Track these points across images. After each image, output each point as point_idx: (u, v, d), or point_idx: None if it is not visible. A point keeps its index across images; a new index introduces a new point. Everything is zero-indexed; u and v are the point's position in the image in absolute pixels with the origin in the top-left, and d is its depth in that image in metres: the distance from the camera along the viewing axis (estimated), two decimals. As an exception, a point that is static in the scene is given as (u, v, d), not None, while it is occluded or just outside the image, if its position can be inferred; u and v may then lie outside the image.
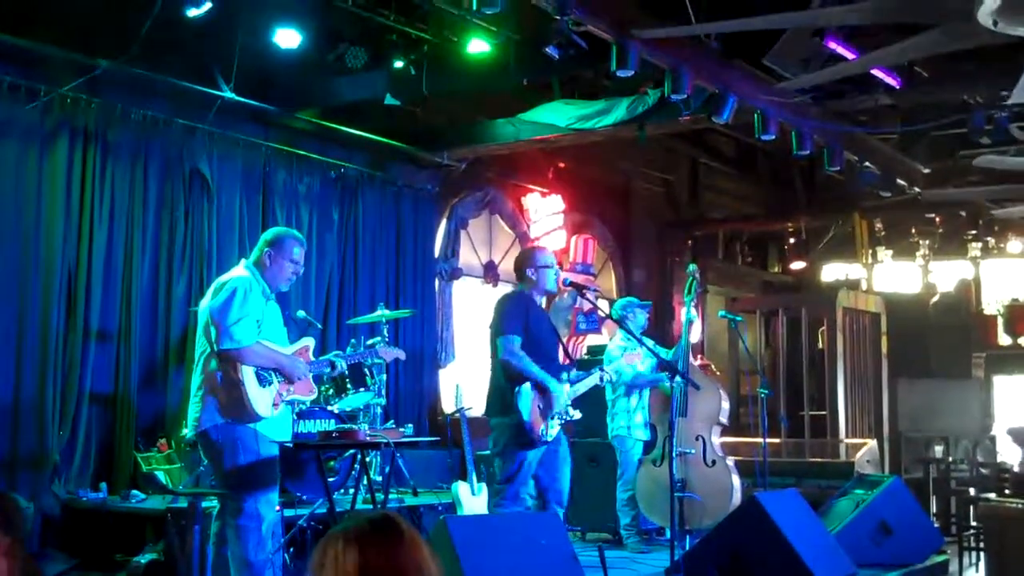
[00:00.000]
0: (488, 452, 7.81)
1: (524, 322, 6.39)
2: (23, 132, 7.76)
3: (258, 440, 5.44)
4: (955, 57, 8.52)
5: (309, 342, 5.93)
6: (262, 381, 5.46)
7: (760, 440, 7.93)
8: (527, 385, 6.25)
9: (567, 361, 6.78)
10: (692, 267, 8.29)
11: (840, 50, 7.72)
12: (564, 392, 6.42)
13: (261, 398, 5.44)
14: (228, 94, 8.66)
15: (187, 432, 5.72)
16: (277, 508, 5.74)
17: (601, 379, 7.11)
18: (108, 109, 8.17)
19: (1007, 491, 8.95)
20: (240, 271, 5.62)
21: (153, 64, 8.16)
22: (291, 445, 5.96)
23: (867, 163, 10.73)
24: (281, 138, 9.68)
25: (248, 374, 5.39)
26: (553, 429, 6.38)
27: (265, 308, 5.57)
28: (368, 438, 6.22)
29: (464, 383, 8.05)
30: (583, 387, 6.81)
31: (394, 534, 2.19)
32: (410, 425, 9.02)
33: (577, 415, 6.58)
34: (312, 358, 5.86)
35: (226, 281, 5.53)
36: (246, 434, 5.42)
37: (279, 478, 5.66)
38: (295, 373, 5.61)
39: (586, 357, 9.82)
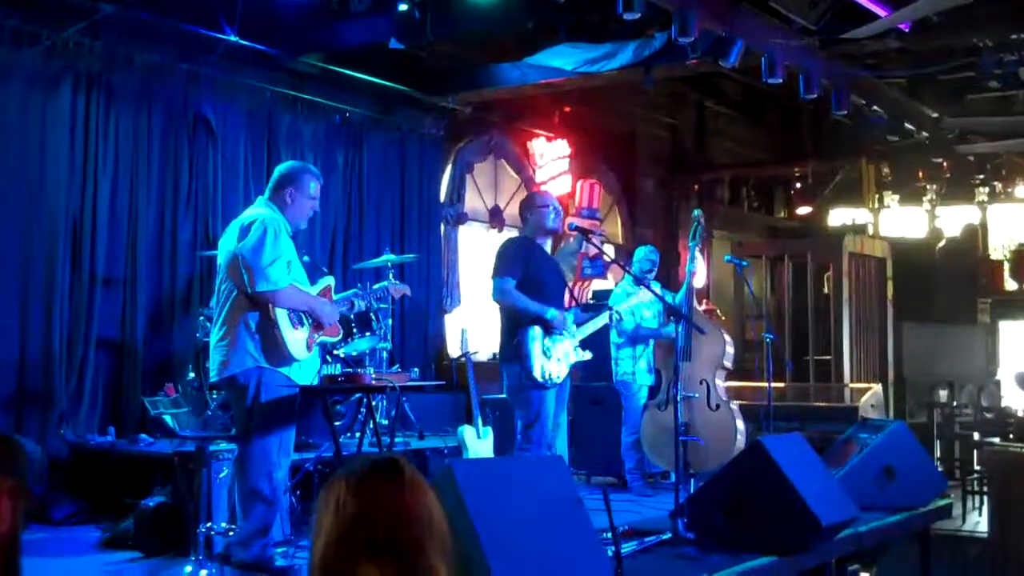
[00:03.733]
0: (493, 396, 7.86)
1: (522, 265, 6.37)
2: (26, 77, 7.71)
3: (285, 384, 5.37)
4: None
5: (330, 282, 5.83)
6: (294, 323, 5.37)
7: (765, 384, 7.94)
8: (533, 329, 6.25)
9: (573, 304, 6.76)
10: (697, 212, 8.26)
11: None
12: (567, 319, 6.39)
13: (296, 340, 5.34)
14: (232, 38, 8.59)
15: (211, 375, 5.53)
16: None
17: (611, 319, 7.11)
18: (111, 53, 8.12)
19: (1011, 435, 9.00)
20: (262, 209, 5.41)
21: (156, 7, 8.09)
22: (297, 388, 5.96)
23: (874, 107, 10.65)
24: (285, 82, 9.61)
25: (282, 316, 5.28)
26: (562, 371, 6.39)
27: (291, 248, 5.43)
28: (374, 382, 6.23)
29: (470, 328, 8.05)
30: (592, 327, 6.80)
31: (397, 477, 2.19)
32: (416, 369, 9.04)
33: (587, 356, 6.58)
34: (334, 298, 5.79)
35: (253, 219, 5.29)
36: (275, 378, 5.33)
37: (295, 421, 5.59)
38: (326, 315, 5.52)
39: (592, 301, 9.82)
